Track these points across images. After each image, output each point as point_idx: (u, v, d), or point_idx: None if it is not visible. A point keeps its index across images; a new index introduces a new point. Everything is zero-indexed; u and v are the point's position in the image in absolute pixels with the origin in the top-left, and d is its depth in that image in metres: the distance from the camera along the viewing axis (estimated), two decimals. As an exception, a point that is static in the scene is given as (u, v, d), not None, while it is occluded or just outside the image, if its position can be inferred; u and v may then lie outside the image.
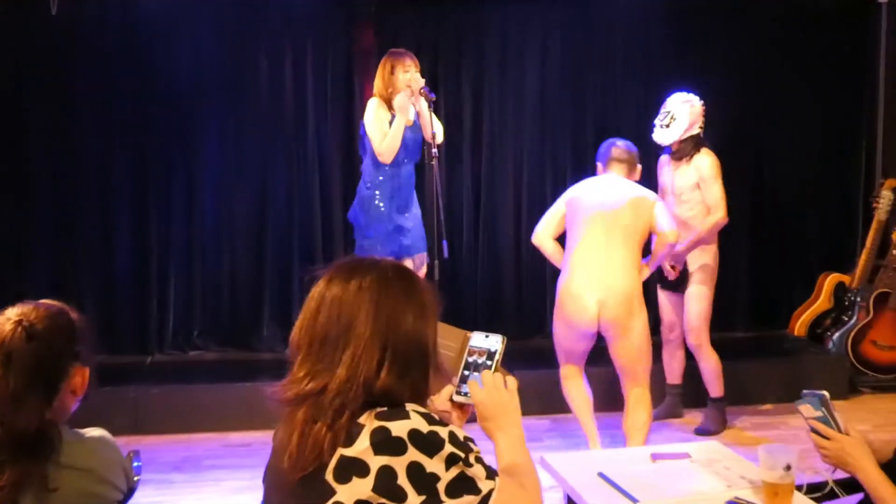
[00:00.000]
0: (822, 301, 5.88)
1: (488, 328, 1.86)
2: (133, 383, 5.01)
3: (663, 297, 4.92)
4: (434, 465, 1.51)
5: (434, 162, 4.41)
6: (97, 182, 5.62)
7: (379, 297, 1.59)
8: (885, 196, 5.61)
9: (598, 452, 3.94)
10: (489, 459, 1.62)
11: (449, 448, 1.52)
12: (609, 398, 4.49)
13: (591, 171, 4.51)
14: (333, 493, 1.49)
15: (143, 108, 5.61)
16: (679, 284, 4.77)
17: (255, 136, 5.72)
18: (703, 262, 4.70)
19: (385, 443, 1.50)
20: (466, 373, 1.79)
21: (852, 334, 5.62)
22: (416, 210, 4.80)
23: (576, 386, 4.32)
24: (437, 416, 1.57)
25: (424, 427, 1.52)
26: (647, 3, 6.00)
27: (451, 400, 1.79)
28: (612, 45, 6.06)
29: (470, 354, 1.80)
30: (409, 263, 4.67)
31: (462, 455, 1.53)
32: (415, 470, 1.50)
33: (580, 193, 4.27)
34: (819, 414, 2.24)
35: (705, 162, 4.58)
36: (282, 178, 5.77)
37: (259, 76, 5.72)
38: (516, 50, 5.97)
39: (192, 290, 5.76)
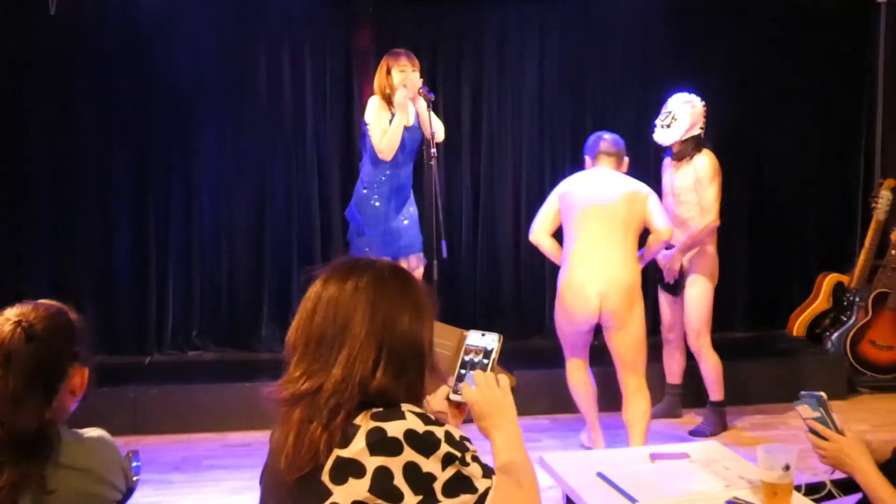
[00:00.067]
0: (820, 301, 5.88)
1: (487, 328, 1.86)
2: (132, 383, 5.01)
3: (663, 297, 4.92)
4: (430, 465, 1.51)
5: (433, 162, 4.42)
6: (96, 182, 5.62)
7: (375, 297, 1.59)
8: (884, 196, 5.61)
9: (596, 452, 3.95)
10: (486, 459, 1.62)
11: (445, 448, 1.52)
12: (609, 398, 4.49)
13: (591, 171, 4.52)
14: (330, 494, 1.49)
15: (142, 108, 5.61)
16: (676, 287, 4.77)
17: (254, 137, 5.73)
18: (701, 263, 4.69)
19: (381, 443, 1.50)
20: (463, 371, 1.79)
21: (851, 334, 5.62)
22: (413, 211, 4.80)
23: (580, 378, 4.38)
24: (433, 417, 1.57)
25: (420, 427, 1.52)
26: (646, 2, 6.00)
27: (447, 399, 1.79)
28: (611, 45, 6.06)
29: (466, 353, 1.80)
30: (404, 264, 4.68)
31: (458, 454, 1.53)
32: (411, 470, 1.50)
33: (572, 188, 4.32)
34: (817, 415, 2.24)
35: (702, 163, 4.58)
36: (281, 178, 5.77)
37: (258, 76, 5.72)
38: (515, 50, 5.97)
39: (191, 290, 5.76)
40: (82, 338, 1.83)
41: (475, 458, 1.56)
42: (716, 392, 4.79)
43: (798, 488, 2.28)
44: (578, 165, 5.79)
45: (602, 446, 4.34)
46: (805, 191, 6.28)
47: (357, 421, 1.52)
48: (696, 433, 4.73)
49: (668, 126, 4.64)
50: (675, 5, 5.99)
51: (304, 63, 5.77)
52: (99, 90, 5.55)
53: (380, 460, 1.49)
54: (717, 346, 4.81)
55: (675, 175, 4.72)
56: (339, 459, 1.50)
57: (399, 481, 1.49)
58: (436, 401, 1.79)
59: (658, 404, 4.96)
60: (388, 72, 4.63)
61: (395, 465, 1.49)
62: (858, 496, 2.24)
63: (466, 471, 1.54)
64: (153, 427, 4.81)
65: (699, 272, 4.69)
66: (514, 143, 6.02)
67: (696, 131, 4.64)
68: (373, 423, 1.51)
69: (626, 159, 4.43)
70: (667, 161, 4.82)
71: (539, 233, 4.36)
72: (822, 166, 6.30)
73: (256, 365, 5.35)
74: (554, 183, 5.87)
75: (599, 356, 4.54)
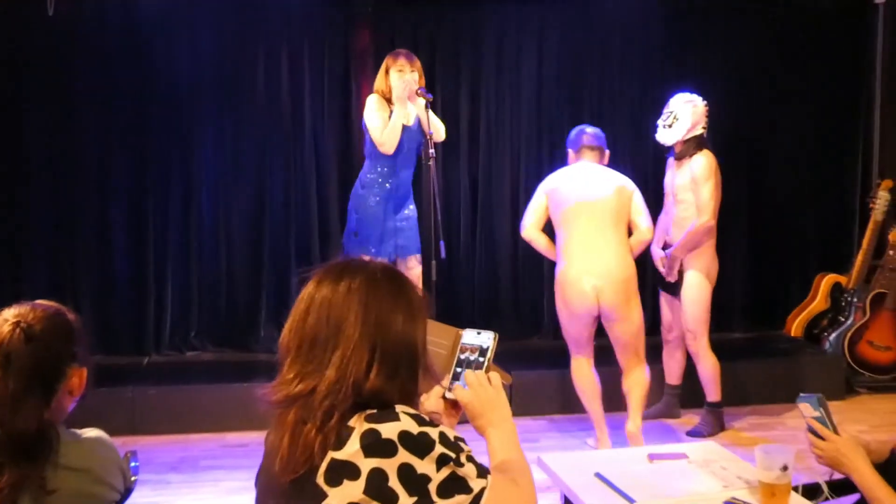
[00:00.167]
0: (818, 302, 5.88)
1: (485, 328, 1.86)
2: (130, 384, 5.01)
3: (663, 297, 4.92)
4: (425, 466, 1.51)
5: (431, 162, 4.42)
6: (95, 182, 5.62)
7: (368, 298, 1.59)
8: (882, 197, 5.62)
9: (595, 453, 3.96)
10: (482, 459, 1.62)
11: (439, 449, 1.52)
12: (613, 398, 4.50)
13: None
14: (325, 496, 1.49)
15: (141, 108, 5.61)
16: (675, 287, 4.76)
17: (252, 137, 5.73)
18: (698, 264, 4.68)
19: (375, 445, 1.50)
20: (459, 370, 1.79)
21: (849, 335, 5.62)
22: (412, 212, 4.80)
23: (586, 376, 4.42)
24: (427, 417, 1.57)
25: (414, 428, 1.52)
26: (645, 2, 6.01)
27: (443, 398, 1.79)
28: (609, 45, 6.06)
29: (462, 351, 1.81)
30: (402, 265, 4.69)
31: (453, 455, 1.53)
32: (406, 471, 1.50)
33: (559, 184, 4.41)
34: (817, 414, 2.24)
35: (699, 162, 4.57)
36: (279, 178, 5.77)
37: (257, 77, 5.72)
38: (514, 50, 5.98)
39: (190, 290, 5.76)
40: (81, 338, 1.83)
41: (470, 459, 1.56)
42: (713, 393, 4.78)
43: (796, 489, 2.28)
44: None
45: (609, 445, 4.35)
46: (803, 191, 6.29)
47: (351, 423, 1.52)
48: (693, 434, 4.73)
49: (670, 126, 4.64)
50: (674, 5, 6.01)
51: (302, 63, 5.77)
52: (98, 90, 5.55)
53: (374, 462, 1.49)
54: (715, 346, 4.81)
55: (675, 174, 4.72)
56: (333, 461, 1.50)
57: (394, 483, 1.49)
58: (430, 401, 1.79)
59: (656, 404, 4.97)
60: (387, 72, 4.65)
61: (390, 466, 1.49)
62: (857, 496, 2.24)
63: (461, 471, 1.54)
64: (151, 427, 4.80)
65: (697, 272, 4.68)
66: (513, 143, 6.02)
67: (699, 131, 4.64)
68: (367, 425, 1.51)
69: (608, 152, 4.55)
70: (670, 161, 4.82)
71: (530, 228, 4.46)
72: (820, 167, 6.31)
73: (254, 365, 5.35)
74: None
75: (603, 356, 4.55)
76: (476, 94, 5.96)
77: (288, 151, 5.77)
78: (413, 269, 4.71)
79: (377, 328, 1.57)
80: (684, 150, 4.65)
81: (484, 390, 1.74)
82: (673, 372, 4.98)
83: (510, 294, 6.06)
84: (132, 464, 1.93)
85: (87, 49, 5.54)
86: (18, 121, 5.51)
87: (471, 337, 1.82)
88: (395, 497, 1.49)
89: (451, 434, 1.56)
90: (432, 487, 1.51)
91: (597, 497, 2.35)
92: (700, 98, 4.69)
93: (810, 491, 2.33)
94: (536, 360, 5.43)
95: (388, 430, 1.51)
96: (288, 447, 1.52)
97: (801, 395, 2.28)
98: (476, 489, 1.55)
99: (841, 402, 5.32)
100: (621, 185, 4.34)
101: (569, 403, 4.86)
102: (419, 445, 1.51)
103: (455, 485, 1.53)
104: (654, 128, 4.77)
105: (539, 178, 5.97)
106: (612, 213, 4.27)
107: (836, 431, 2.22)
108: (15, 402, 1.69)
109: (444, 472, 1.52)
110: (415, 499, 1.50)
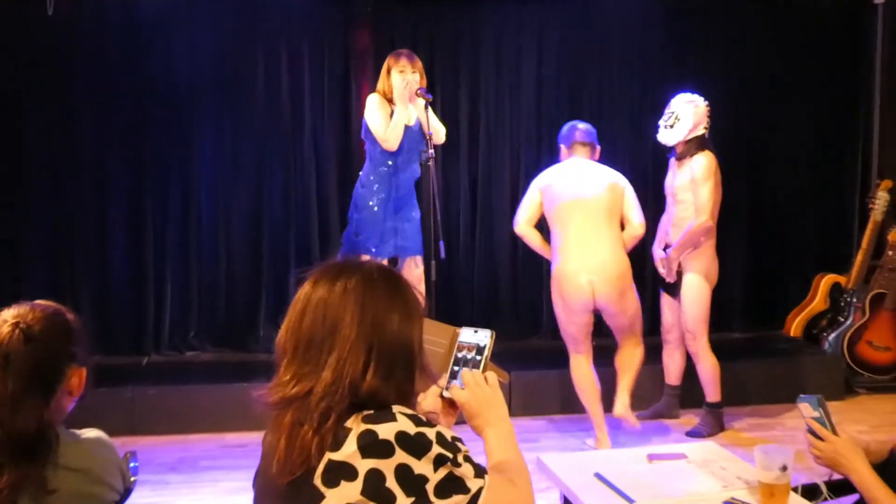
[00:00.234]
0: (817, 302, 5.88)
1: (484, 328, 1.86)
2: (129, 384, 5.00)
3: (664, 298, 4.92)
4: (422, 466, 1.51)
5: (430, 162, 4.42)
6: (94, 182, 5.62)
7: (364, 298, 1.59)
8: (881, 197, 5.62)
9: (594, 453, 3.96)
10: (479, 460, 1.62)
11: (437, 449, 1.52)
12: (607, 398, 4.50)
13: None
14: (322, 497, 1.49)
15: (140, 108, 5.61)
16: (674, 288, 4.76)
17: (252, 137, 5.73)
18: (697, 264, 4.67)
19: (372, 446, 1.50)
20: (456, 368, 1.79)
21: (848, 335, 5.62)
22: (414, 213, 4.78)
23: (584, 374, 4.46)
24: (424, 418, 1.57)
25: (412, 429, 1.52)
26: (645, 2, 6.01)
27: (441, 396, 1.79)
28: (609, 45, 6.06)
29: (459, 350, 1.81)
30: (404, 265, 4.69)
31: (450, 455, 1.53)
32: (403, 472, 1.50)
33: (553, 181, 4.50)
34: (816, 415, 2.25)
35: (699, 163, 4.57)
36: (278, 178, 5.77)
37: (256, 77, 5.72)
38: (513, 49, 5.98)
39: (189, 290, 5.75)
40: (80, 338, 1.83)
41: (467, 459, 1.56)
42: (712, 394, 4.78)
43: (795, 489, 2.28)
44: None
45: (608, 445, 4.36)
46: (803, 191, 6.29)
47: (348, 424, 1.52)
48: (692, 434, 4.72)
49: (672, 126, 4.64)
50: (674, 5, 6.01)
51: (302, 63, 5.77)
52: (97, 90, 5.55)
53: (371, 463, 1.49)
54: (715, 346, 4.81)
55: (675, 175, 4.72)
56: (330, 462, 1.50)
57: (391, 483, 1.49)
58: (427, 401, 1.79)
59: (655, 404, 4.97)
60: (389, 72, 4.65)
61: (387, 467, 1.49)
62: (856, 497, 2.24)
63: (458, 471, 1.54)
64: (150, 427, 4.80)
65: (696, 273, 4.68)
66: (512, 144, 6.02)
67: (700, 131, 4.64)
68: (364, 426, 1.51)
69: (599, 147, 4.64)
70: (671, 161, 4.82)
71: (523, 224, 4.56)
72: (819, 167, 6.31)
73: (253, 366, 5.34)
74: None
75: (602, 356, 4.55)
76: (475, 94, 5.96)
77: (287, 151, 5.76)
78: (415, 269, 4.70)
79: (373, 328, 1.57)
80: (686, 151, 4.64)
81: (480, 389, 1.74)
82: (672, 372, 4.98)
83: (509, 294, 6.06)
84: (132, 464, 1.92)
85: (86, 49, 5.53)
86: (18, 121, 5.51)
87: (468, 335, 1.82)
88: (393, 497, 1.49)
89: (448, 434, 1.56)
90: (430, 488, 1.51)
91: (596, 497, 2.35)
92: (701, 98, 4.69)
93: (809, 491, 2.33)
94: (536, 360, 5.43)
95: (386, 431, 1.51)
96: (285, 449, 1.52)
97: (802, 395, 2.28)
98: (474, 489, 1.55)
99: (840, 402, 5.32)
100: (614, 181, 4.45)
101: (568, 403, 4.86)
102: (416, 446, 1.51)
103: (452, 485, 1.53)
104: (655, 128, 4.76)
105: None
106: (605, 210, 4.38)
107: (834, 432, 2.22)
108: (14, 402, 1.69)
109: (442, 472, 1.52)
110: (412, 499, 1.50)
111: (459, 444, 1.57)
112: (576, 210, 4.37)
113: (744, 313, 6.30)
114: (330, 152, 5.80)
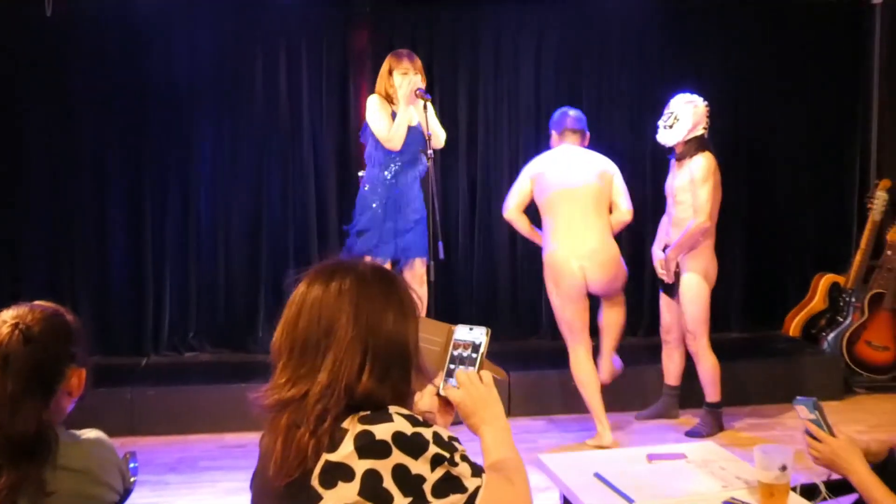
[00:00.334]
0: (816, 301, 5.89)
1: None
2: (129, 384, 5.00)
3: (663, 298, 4.92)
4: (419, 466, 1.51)
5: (430, 162, 4.42)
6: (93, 183, 5.61)
7: (359, 299, 1.59)
8: (880, 197, 5.62)
9: (594, 453, 3.95)
10: (477, 459, 1.62)
11: (434, 449, 1.52)
12: (613, 397, 4.50)
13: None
14: (320, 498, 1.49)
15: (138, 108, 5.60)
16: (672, 289, 4.76)
17: (251, 137, 5.72)
18: (695, 264, 4.67)
19: (369, 446, 1.49)
20: (452, 366, 1.79)
21: (847, 335, 5.63)
22: (416, 214, 4.77)
23: (585, 367, 4.51)
24: (420, 418, 1.56)
25: (408, 429, 1.52)
26: (644, 2, 6.01)
27: (437, 395, 1.78)
28: (608, 45, 6.06)
29: (455, 348, 1.80)
30: (406, 266, 4.69)
31: (447, 455, 1.53)
32: (400, 472, 1.49)
33: (544, 169, 4.60)
34: (813, 417, 2.25)
35: (698, 163, 4.57)
36: (277, 179, 5.77)
37: (255, 77, 5.72)
38: (512, 50, 5.97)
39: (188, 291, 5.75)
40: (79, 339, 1.83)
41: (464, 458, 1.56)
42: (712, 394, 4.78)
43: (794, 489, 2.28)
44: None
45: (609, 438, 4.37)
46: (801, 191, 6.29)
47: (345, 424, 1.52)
48: (691, 434, 4.72)
49: (671, 126, 4.64)
50: (674, 5, 6.01)
51: (301, 63, 5.77)
52: (96, 90, 5.55)
53: (369, 463, 1.49)
54: (714, 346, 4.80)
55: (675, 175, 4.72)
56: (328, 464, 1.50)
57: (388, 484, 1.49)
58: (424, 400, 1.79)
59: (655, 404, 4.97)
60: (390, 72, 4.64)
61: (384, 467, 1.49)
62: (855, 497, 2.25)
63: (455, 471, 1.54)
64: (150, 428, 4.80)
65: (694, 272, 4.67)
66: (511, 144, 6.02)
67: (699, 132, 4.63)
68: (360, 427, 1.51)
69: (588, 134, 4.77)
70: (672, 162, 4.82)
71: (513, 210, 4.69)
72: (818, 167, 6.31)
73: (253, 366, 5.33)
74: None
75: (596, 354, 4.55)
76: (474, 94, 5.95)
77: (286, 151, 5.76)
78: (418, 270, 4.70)
79: (368, 329, 1.57)
80: (685, 151, 4.64)
81: (475, 388, 1.73)
82: (672, 373, 4.97)
83: (509, 294, 6.06)
84: (131, 465, 1.92)
85: (85, 49, 5.53)
86: (18, 121, 5.51)
87: (463, 333, 1.81)
88: (390, 498, 1.48)
89: (444, 434, 1.56)
90: (427, 488, 1.51)
91: (596, 497, 2.35)
92: (701, 98, 4.69)
93: (808, 491, 2.33)
94: (535, 360, 5.43)
95: (382, 432, 1.50)
96: (282, 451, 1.52)
97: (798, 398, 2.29)
98: (471, 488, 1.54)
99: (839, 402, 5.31)
100: (603, 169, 4.60)
101: (568, 403, 4.86)
102: (413, 446, 1.51)
103: (450, 484, 1.53)
104: (655, 128, 4.76)
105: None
106: (594, 199, 4.53)
107: (831, 433, 2.23)
108: (14, 403, 1.68)
109: (439, 472, 1.52)
110: (410, 499, 1.49)
111: (456, 444, 1.56)
112: (565, 199, 4.51)
113: (743, 313, 6.30)
114: (329, 152, 5.80)
